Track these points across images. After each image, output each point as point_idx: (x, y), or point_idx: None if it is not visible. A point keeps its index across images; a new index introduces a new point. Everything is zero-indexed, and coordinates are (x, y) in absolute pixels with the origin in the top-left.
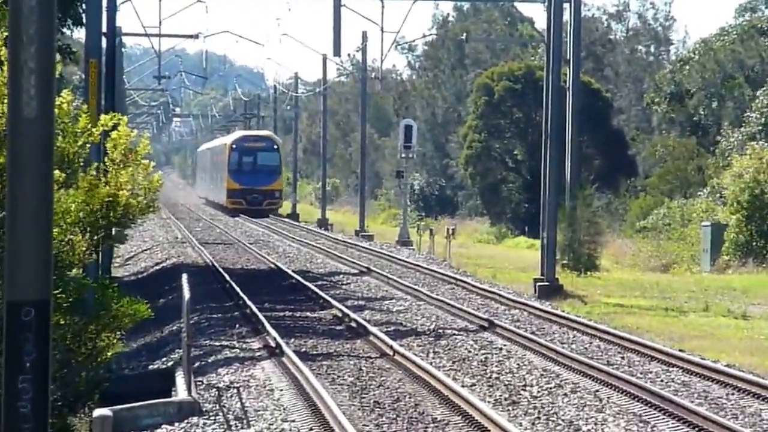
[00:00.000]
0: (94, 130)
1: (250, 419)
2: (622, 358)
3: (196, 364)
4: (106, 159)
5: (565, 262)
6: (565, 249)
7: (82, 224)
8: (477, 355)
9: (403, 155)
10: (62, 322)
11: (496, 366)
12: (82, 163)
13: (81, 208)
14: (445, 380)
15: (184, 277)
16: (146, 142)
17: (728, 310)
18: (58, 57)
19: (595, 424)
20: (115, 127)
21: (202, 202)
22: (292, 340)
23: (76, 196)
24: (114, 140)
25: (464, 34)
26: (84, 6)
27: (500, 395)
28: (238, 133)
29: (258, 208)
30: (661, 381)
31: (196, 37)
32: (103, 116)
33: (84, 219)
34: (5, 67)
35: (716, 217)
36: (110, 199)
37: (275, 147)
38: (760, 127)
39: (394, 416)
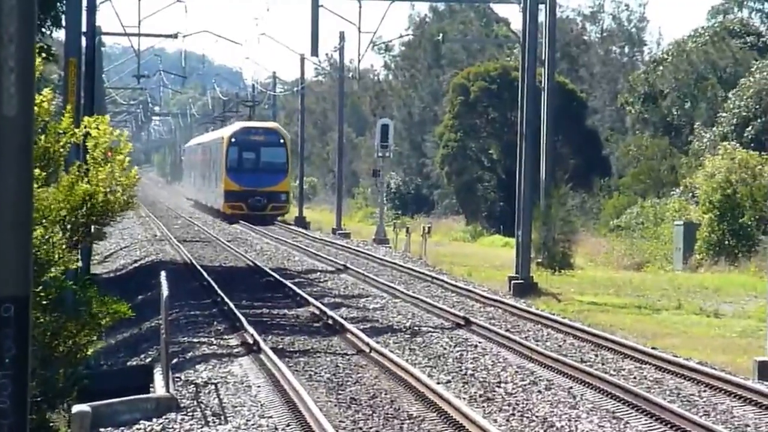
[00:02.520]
0: (77, 130)
1: (228, 415)
2: (596, 355)
3: (174, 360)
4: (87, 157)
5: (539, 260)
6: (539, 247)
7: (63, 222)
8: (452, 352)
9: (380, 154)
10: (41, 320)
11: (472, 363)
12: (62, 162)
13: (62, 206)
14: (420, 377)
15: (163, 274)
16: (126, 141)
17: (700, 308)
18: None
19: (569, 420)
20: (96, 127)
21: (189, 205)
22: (270, 337)
23: (57, 195)
24: (95, 139)
25: (440, 35)
26: (64, 6)
27: (475, 392)
28: (238, 125)
29: (261, 214)
30: (634, 378)
31: (175, 36)
32: (86, 118)
33: (65, 217)
34: None
35: (689, 217)
36: (89, 196)
37: (281, 141)
38: (732, 128)
39: (371, 412)
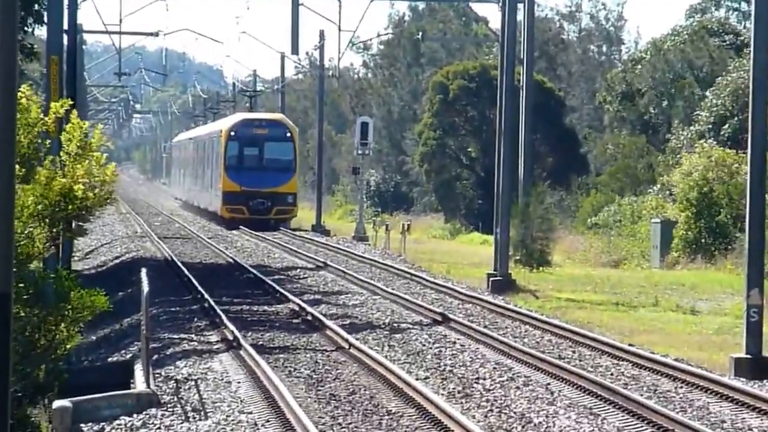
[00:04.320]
0: (47, 119)
1: (208, 411)
2: (573, 351)
3: (155, 356)
4: (62, 152)
5: (517, 257)
6: (518, 245)
7: (41, 217)
8: (431, 348)
9: (360, 152)
10: (22, 314)
11: (450, 359)
12: (40, 157)
13: (39, 201)
14: (399, 373)
15: (143, 270)
16: (99, 133)
17: (677, 306)
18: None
19: (547, 416)
20: (68, 114)
21: (178, 206)
22: (250, 333)
23: (34, 190)
24: (69, 132)
25: (420, 34)
26: (45, 4)
27: (453, 388)
28: (238, 116)
29: (264, 218)
30: (611, 374)
31: (156, 34)
32: (53, 104)
33: (42, 212)
34: None
35: (666, 214)
36: (67, 191)
37: (288, 134)
38: (709, 126)
39: (350, 408)
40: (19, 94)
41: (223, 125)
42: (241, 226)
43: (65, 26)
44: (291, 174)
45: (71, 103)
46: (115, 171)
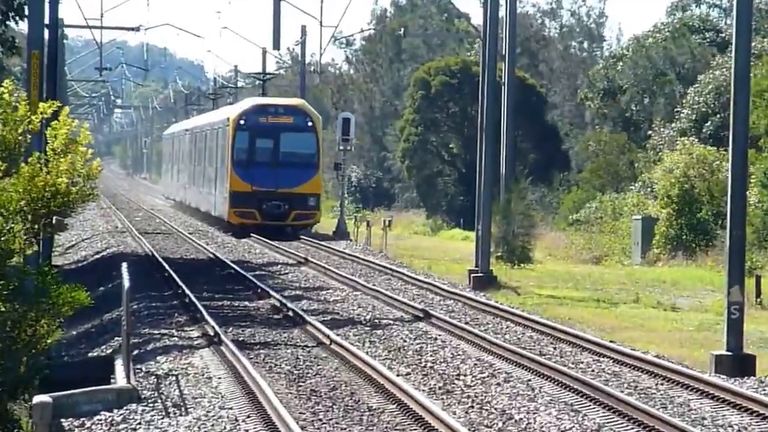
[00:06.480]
0: (33, 117)
1: (189, 406)
2: (554, 348)
3: (136, 352)
4: (47, 148)
5: (499, 254)
6: (499, 241)
7: (23, 213)
8: (412, 344)
9: (341, 148)
10: (2, 310)
11: (431, 355)
12: (23, 152)
13: (22, 197)
14: (380, 369)
15: (124, 266)
16: (86, 132)
17: (658, 302)
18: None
19: (528, 412)
20: (55, 115)
21: (169, 206)
22: (231, 329)
23: (17, 185)
24: (55, 129)
25: (402, 29)
26: None
27: (435, 384)
28: (249, 102)
29: (280, 224)
30: (592, 371)
31: (137, 29)
32: (42, 104)
33: (25, 208)
34: None
35: (647, 211)
36: (51, 187)
37: (309, 124)
38: (690, 123)
39: (331, 404)
40: (1, 88)
41: (231, 113)
42: (252, 234)
43: (46, 21)
44: (313, 171)
45: (60, 105)
46: (100, 167)
